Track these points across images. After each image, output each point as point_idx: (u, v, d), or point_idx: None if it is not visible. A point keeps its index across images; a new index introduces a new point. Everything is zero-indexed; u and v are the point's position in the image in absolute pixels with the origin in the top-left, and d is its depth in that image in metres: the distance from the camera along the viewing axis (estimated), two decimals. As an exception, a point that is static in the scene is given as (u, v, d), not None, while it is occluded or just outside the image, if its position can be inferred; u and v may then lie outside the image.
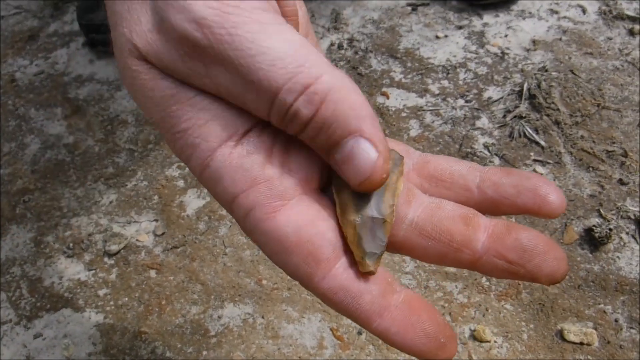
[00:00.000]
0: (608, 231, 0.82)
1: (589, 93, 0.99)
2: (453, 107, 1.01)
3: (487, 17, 1.16)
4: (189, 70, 0.27)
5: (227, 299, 0.81)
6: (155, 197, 0.93)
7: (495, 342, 0.75)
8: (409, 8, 1.19)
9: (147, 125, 1.03)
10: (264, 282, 0.82)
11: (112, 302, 0.82)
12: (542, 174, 0.90)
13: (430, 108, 1.01)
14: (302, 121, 0.27)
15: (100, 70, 1.15)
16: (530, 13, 1.15)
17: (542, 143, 0.94)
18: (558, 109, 0.97)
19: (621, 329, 0.75)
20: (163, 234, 0.88)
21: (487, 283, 0.80)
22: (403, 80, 1.06)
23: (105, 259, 0.87)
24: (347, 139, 0.27)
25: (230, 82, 0.27)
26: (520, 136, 0.95)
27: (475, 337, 0.76)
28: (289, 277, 0.81)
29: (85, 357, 0.78)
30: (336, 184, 0.30)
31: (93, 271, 0.86)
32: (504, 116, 0.98)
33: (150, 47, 0.27)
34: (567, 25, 1.12)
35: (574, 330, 0.75)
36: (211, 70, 0.27)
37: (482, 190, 0.31)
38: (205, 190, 0.91)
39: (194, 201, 0.92)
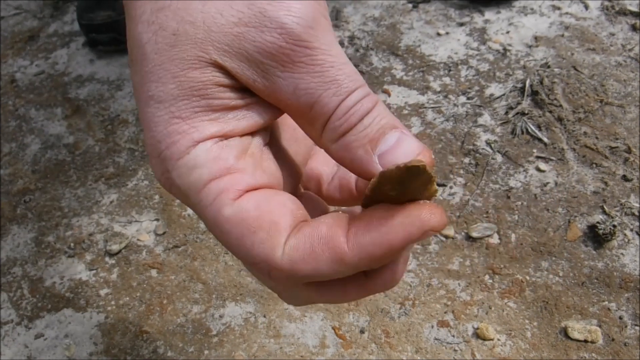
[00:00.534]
0: (612, 228, 0.81)
1: (591, 89, 0.99)
2: (455, 104, 1.00)
3: (489, 14, 1.15)
4: (262, 67, 0.29)
5: (228, 298, 0.81)
6: (156, 196, 0.93)
7: (498, 340, 0.75)
8: (410, 5, 1.19)
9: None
10: (266, 281, 0.82)
11: (113, 302, 0.82)
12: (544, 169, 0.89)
13: (432, 105, 1.01)
14: (363, 112, 0.30)
15: (100, 70, 1.14)
16: (532, 9, 1.15)
17: (545, 140, 0.93)
18: (561, 106, 0.97)
19: (626, 326, 0.75)
20: (164, 233, 0.88)
21: (490, 281, 0.80)
22: (404, 77, 1.06)
23: (107, 259, 0.86)
24: (394, 130, 0.30)
25: (302, 82, 0.29)
26: (522, 133, 0.95)
27: (478, 335, 0.75)
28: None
29: (87, 357, 0.77)
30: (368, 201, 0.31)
31: (94, 271, 0.85)
32: (506, 113, 0.98)
33: (230, 40, 0.29)
34: (570, 21, 1.12)
35: (578, 328, 0.75)
36: (289, 66, 0.29)
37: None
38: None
39: (195, 200, 0.91)
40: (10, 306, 0.83)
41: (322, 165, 0.40)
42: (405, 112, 1.00)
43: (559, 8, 1.15)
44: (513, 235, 0.84)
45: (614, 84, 1.00)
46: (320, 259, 0.29)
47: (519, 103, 0.99)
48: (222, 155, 0.30)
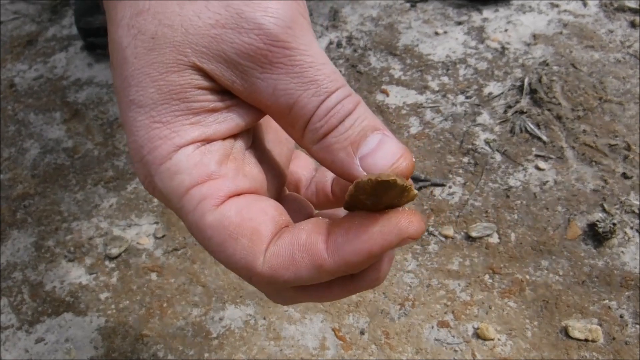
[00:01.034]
0: (612, 226, 0.81)
1: (590, 87, 0.99)
2: (453, 104, 1.00)
3: (487, 12, 1.15)
4: (240, 69, 0.29)
5: (228, 301, 0.81)
6: (156, 199, 0.93)
7: (499, 340, 0.75)
8: (408, 5, 1.19)
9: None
10: (265, 283, 0.82)
11: (113, 306, 0.82)
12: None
13: (430, 105, 1.00)
14: (344, 113, 0.30)
15: (99, 73, 1.14)
16: (530, 7, 1.14)
17: (544, 138, 0.93)
18: (559, 104, 0.96)
19: (626, 325, 0.74)
20: (163, 236, 0.88)
21: (490, 281, 0.79)
22: (402, 77, 1.05)
23: (106, 263, 0.86)
24: (375, 132, 0.30)
25: (281, 82, 0.29)
26: (521, 131, 0.94)
27: (478, 335, 0.75)
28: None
29: (87, 362, 0.77)
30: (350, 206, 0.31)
31: (94, 275, 0.85)
32: (505, 112, 0.98)
33: (208, 42, 0.29)
34: (568, 19, 1.11)
35: (578, 327, 0.75)
36: (267, 67, 0.29)
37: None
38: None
39: (194, 203, 0.91)
40: (11, 311, 0.83)
41: (301, 169, 0.41)
42: (404, 112, 1.00)
43: (557, 5, 1.14)
44: (513, 235, 0.83)
45: (613, 81, 0.99)
46: (300, 265, 0.29)
47: (517, 101, 0.98)
48: (204, 161, 0.30)
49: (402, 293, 0.79)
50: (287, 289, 0.32)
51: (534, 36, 1.09)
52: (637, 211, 0.83)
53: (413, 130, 0.97)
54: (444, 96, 1.02)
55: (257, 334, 0.77)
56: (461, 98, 1.01)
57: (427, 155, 0.93)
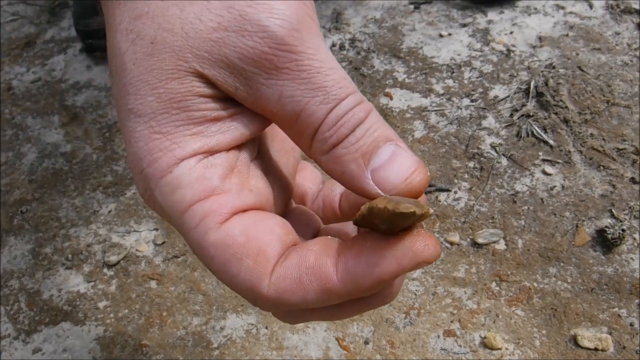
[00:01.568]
0: (621, 232, 0.79)
1: (597, 90, 0.97)
2: (458, 107, 0.98)
3: (492, 14, 1.13)
4: (244, 74, 0.28)
5: (229, 310, 0.79)
6: (155, 205, 0.91)
7: (506, 349, 0.73)
8: (412, 6, 1.17)
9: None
10: (267, 291, 0.80)
11: (112, 315, 0.80)
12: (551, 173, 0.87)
13: (435, 108, 0.99)
14: (355, 122, 0.28)
15: (97, 76, 1.13)
16: (535, 9, 1.13)
17: (551, 142, 0.91)
18: (566, 107, 0.95)
19: (637, 334, 0.73)
20: (163, 243, 0.86)
21: (497, 288, 0.78)
22: (406, 80, 1.04)
23: (105, 270, 0.85)
24: (388, 143, 0.28)
25: (287, 89, 0.28)
26: (528, 135, 0.93)
27: (485, 344, 0.73)
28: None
29: (85, 372, 0.76)
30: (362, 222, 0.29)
31: (92, 283, 0.84)
32: (511, 115, 0.96)
33: (210, 46, 0.27)
34: (574, 21, 1.10)
35: (588, 336, 0.73)
36: (272, 72, 0.27)
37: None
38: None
39: (194, 209, 0.90)
40: (8, 320, 0.81)
41: (307, 181, 0.39)
42: (408, 115, 0.98)
43: (563, 7, 1.13)
44: (520, 241, 0.82)
45: (621, 84, 0.98)
46: (308, 289, 0.28)
47: (523, 105, 0.97)
48: (207, 175, 0.28)
49: (407, 301, 0.78)
50: (295, 310, 0.31)
51: (540, 38, 1.07)
52: (646, 217, 0.82)
53: (417, 134, 0.95)
54: (448, 99, 1.00)
55: (259, 344, 0.76)
56: (466, 101, 0.99)
57: (432, 160, 0.91)
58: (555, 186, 0.87)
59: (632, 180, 0.86)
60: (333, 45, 1.11)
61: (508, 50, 1.06)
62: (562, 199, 0.85)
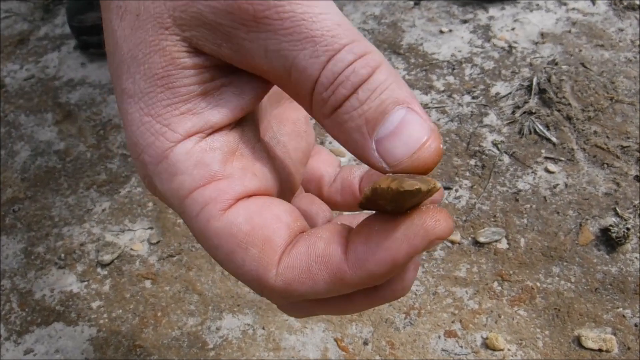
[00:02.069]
0: (625, 231, 0.78)
1: (601, 86, 0.95)
2: (459, 104, 0.97)
3: (493, 10, 1.12)
4: (223, 30, 0.25)
5: (225, 310, 0.77)
6: (150, 204, 0.89)
7: (509, 350, 0.71)
8: (412, 2, 1.15)
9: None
10: (264, 291, 0.78)
11: (105, 315, 0.78)
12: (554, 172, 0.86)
13: (436, 105, 0.97)
14: (357, 81, 0.24)
15: (92, 73, 1.11)
16: (537, 5, 1.11)
17: (554, 139, 0.89)
18: (569, 104, 0.93)
19: (642, 335, 0.71)
20: (158, 242, 0.85)
21: (499, 288, 0.76)
22: (407, 77, 1.02)
23: (98, 270, 0.83)
24: (397, 108, 0.25)
25: (271, 42, 0.24)
26: (530, 133, 0.91)
27: (487, 345, 0.72)
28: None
29: (77, 374, 0.74)
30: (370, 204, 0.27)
31: (86, 282, 0.82)
32: (513, 112, 0.94)
33: (184, 4, 0.25)
34: (577, 17, 1.08)
35: (591, 337, 0.71)
36: (252, 25, 0.24)
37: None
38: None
39: (190, 207, 0.88)
40: (-2, 320, 0.80)
41: (323, 164, 0.36)
42: (408, 112, 0.97)
43: (565, 3, 1.11)
44: (522, 240, 0.80)
45: (624, 80, 0.96)
46: (317, 279, 0.26)
47: (526, 102, 0.95)
48: (206, 160, 0.26)
49: (407, 301, 0.76)
50: (303, 301, 0.29)
51: (542, 35, 1.06)
52: (651, 215, 0.80)
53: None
54: (449, 96, 0.98)
55: (256, 345, 0.74)
56: (467, 98, 0.98)
57: (432, 158, 0.90)
58: (558, 184, 0.85)
59: (637, 178, 0.84)
60: (332, 41, 1.10)
61: (510, 46, 1.04)
62: (565, 197, 0.84)
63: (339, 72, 0.24)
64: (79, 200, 0.91)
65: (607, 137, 0.89)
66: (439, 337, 0.73)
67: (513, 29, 1.07)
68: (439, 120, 0.95)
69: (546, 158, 0.88)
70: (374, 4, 1.17)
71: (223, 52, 0.25)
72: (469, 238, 0.81)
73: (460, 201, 0.85)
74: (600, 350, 0.71)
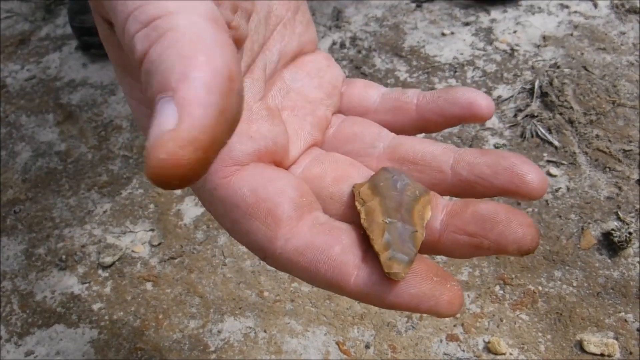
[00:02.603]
0: (627, 235, 0.77)
1: (603, 90, 0.95)
2: (461, 107, 0.97)
3: (495, 13, 1.11)
4: None
5: (227, 312, 0.77)
6: (151, 205, 0.89)
7: (510, 354, 0.71)
8: (413, 5, 1.15)
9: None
10: (266, 294, 0.78)
11: (106, 317, 0.78)
12: (551, 172, 0.85)
13: (437, 108, 0.97)
14: (136, 58, 0.20)
15: (93, 74, 1.11)
16: (539, 8, 1.11)
17: (556, 143, 0.89)
18: (571, 107, 0.93)
19: (645, 339, 0.71)
20: (159, 244, 0.84)
21: (501, 292, 0.76)
22: (408, 79, 1.02)
23: (100, 271, 0.83)
24: (160, 96, 0.19)
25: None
26: (532, 136, 0.91)
27: (489, 349, 0.72)
28: (290, 288, 0.76)
29: (78, 377, 0.74)
30: (364, 187, 0.27)
31: (87, 284, 0.82)
32: (515, 115, 0.94)
33: None
34: (579, 20, 1.08)
35: (594, 341, 0.71)
36: None
37: (456, 171, 0.29)
38: (203, 198, 0.87)
39: (191, 210, 0.88)
40: (0, 322, 0.79)
41: (362, 89, 0.35)
42: (410, 115, 0.96)
43: (567, 6, 1.11)
44: (524, 244, 0.80)
45: (626, 84, 0.96)
46: (319, 276, 0.26)
47: (528, 105, 0.95)
48: None
49: (409, 305, 0.76)
50: None
51: (544, 38, 1.05)
52: (653, 220, 0.80)
53: (420, 134, 0.93)
54: (451, 99, 0.98)
55: (258, 348, 0.74)
56: (469, 101, 0.97)
57: (434, 161, 0.90)
58: (560, 188, 0.85)
59: (639, 182, 0.84)
60: (333, 43, 1.09)
61: (512, 49, 1.04)
62: (567, 201, 0.84)
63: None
64: (80, 202, 0.91)
65: (609, 140, 0.89)
66: (441, 340, 0.73)
67: (515, 32, 1.07)
68: (441, 123, 0.95)
69: (548, 161, 0.88)
70: (375, 6, 1.16)
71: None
72: (471, 241, 0.81)
73: (462, 204, 0.85)
74: (602, 354, 0.71)
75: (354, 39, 1.10)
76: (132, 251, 0.84)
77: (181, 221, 0.86)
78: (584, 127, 0.90)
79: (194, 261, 0.82)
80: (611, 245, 0.78)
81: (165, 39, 0.19)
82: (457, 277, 0.78)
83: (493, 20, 1.10)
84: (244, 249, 0.82)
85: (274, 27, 0.32)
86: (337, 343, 0.73)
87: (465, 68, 1.03)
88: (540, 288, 0.76)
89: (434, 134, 0.93)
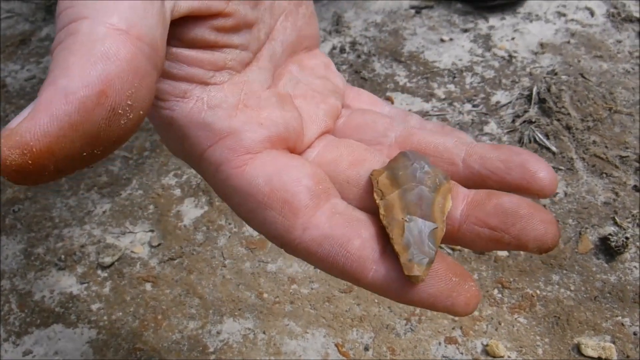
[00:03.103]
0: (624, 240, 0.78)
1: (600, 97, 0.96)
2: (460, 112, 0.97)
3: (493, 20, 1.13)
4: None
5: (226, 314, 0.77)
6: (151, 206, 0.89)
7: (509, 357, 0.72)
8: (413, 11, 1.16)
9: (143, 131, 0.99)
10: (265, 295, 0.78)
11: (105, 317, 0.78)
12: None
13: (437, 113, 0.98)
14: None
15: (94, 75, 1.11)
16: (537, 15, 1.12)
17: (553, 149, 0.90)
18: (569, 114, 0.94)
19: (641, 343, 0.72)
20: (159, 245, 0.84)
21: (499, 295, 0.76)
22: (408, 84, 1.03)
23: (99, 272, 0.83)
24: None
25: None
26: (530, 142, 0.92)
27: (487, 352, 0.72)
28: (290, 290, 0.77)
29: (77, 376, 0.74)
30: (382, 176, 0.27)
31: (86, 284, 0.81)
32: (513, 121, 0.95)
33: None
34: (575, 28, 1.09)
35: (591, 345, 0.72)
36: None
37: (468, 164, 0.29)
38: (204, 199, 0.87)
39: (191, 211, 0.88)
40: (-3, 321, 0.79)
41: (365, 104, 0.35)
42: (409, 119, 0.97)
43: (564, 14, 1.12)
44: (522, 248, 0.80)
45: (623, 91, 0.97)
46: (336, 267, 0.26)
47: (526, 111, 0.96)
48: (207, 120, 0.27)
49: (408, 307, 0.76)
50: None
51: (542, 45, 1.07)
52: (650, 225, 0.81)
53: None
54: (450, 104, 0.99)
55: (257, 349, 0.74)
56: (468, 106, 0.98)
57: (433, 165, 0.90)
58: (557, 193, 0.86)
59: (635, 187, 0.85)
60: (333, 48, 1.10)
61: (510, 56, 1.05)
62: (565, 206, 0.84)
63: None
64: (80, 202, 0.91)
65: (606, 146, 0.90)
66: (440, 343, 0.73)
67: (513, 39, 1.08)
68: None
69: (546, 167, 0.89)
70: (375, 11, 1.17)
71: None
72: (470, 245, 0.81)
73: (461, 208, 0.85)
74: (599, 358, 0.71)
75: (353, 43, 1.11)
76: (132, 252, 0.84)
77: (181, 222, 0.87)
78: (581, 133, 0.91)
79: (194, 262, 0.82)
80: (608, 250, 0.79)
81: (66, 42, 0.20)
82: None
83: (491, 27, 1.11)
84: (244, 250, 0.83)
85: (277, 17, 0.32)
86: (336, 345, 0.74)
87: (464, 74, 1.04)
88: (538, 292, 0.76)
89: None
